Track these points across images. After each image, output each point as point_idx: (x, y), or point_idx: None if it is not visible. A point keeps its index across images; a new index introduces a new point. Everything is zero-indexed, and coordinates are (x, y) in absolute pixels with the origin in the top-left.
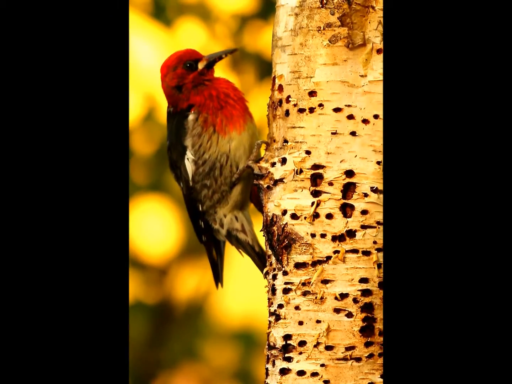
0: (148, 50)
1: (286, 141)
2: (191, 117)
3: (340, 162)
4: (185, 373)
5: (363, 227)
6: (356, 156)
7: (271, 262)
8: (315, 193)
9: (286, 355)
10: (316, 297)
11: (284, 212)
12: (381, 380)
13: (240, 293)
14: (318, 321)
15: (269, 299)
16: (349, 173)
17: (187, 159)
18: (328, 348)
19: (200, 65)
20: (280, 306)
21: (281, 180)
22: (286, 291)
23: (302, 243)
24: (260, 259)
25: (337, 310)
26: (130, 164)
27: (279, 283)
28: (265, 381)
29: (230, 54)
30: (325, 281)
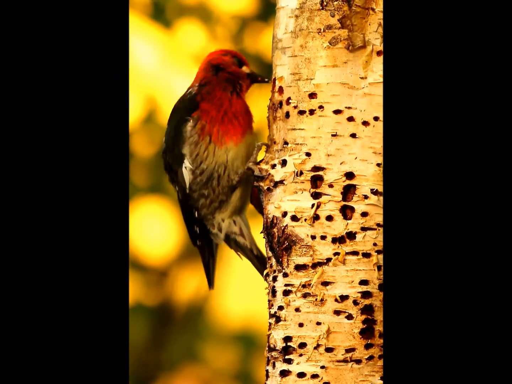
0: (148, 51)
1: (286, 143)
2: (189, 123)
3: (340, 164)
4: (185, 375)
5: (363, 229)
6: (356, 158)
7: (271, 264)
8: (315, 195)
9: (286, 357)
10: (316, 299)
11: (284, 214)
12: (381, 382)
13: (240, 295)
14: (318, 323)
15: (269, 301)
16: (349, 175)
17: (185, 168)
18: (328, 350)
19: (245, 69)
20: (280, 308)
21: (281, 182)
22: (286, 293)
23: (302, 245)
24: (259, 262)
25: (337, 312)
26: (130, 166)
27: (279, 285)
28: (265, 383)
29: (266, 83)
30: (325, 283)
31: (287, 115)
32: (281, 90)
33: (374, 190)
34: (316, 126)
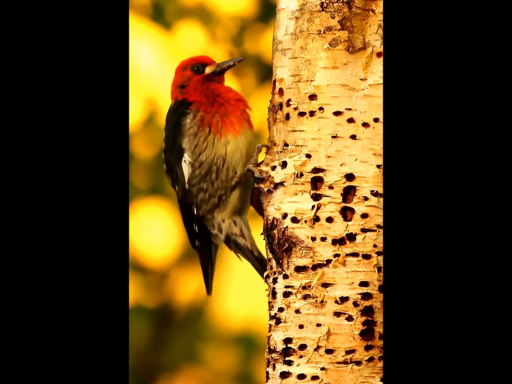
0: (148, 53)
1: (286, 144)
2: (189, 116)
3: (340, 165)
4: (186, 376)
5: (363, 230)
6: (356, 159)
7: (272, 265)
8: (316, 197)
9: (287, 358)
10: (316, 301)
11: (285, 216)
12: (381, 383)
13: (241, 296)
14: (318, 325)
15: (269, 302)
16: (349, 177)
17: (184, 161)
18: (329, 351)
19: (208, 70)
20: (281, 309)
21: (281, 183)
22: (286, 294)
23: (303, 247)
24: (259, 263)
25: (337, 314)
26: (131, 167)
27: (280, 287)
28: None
29: (238, 63)
30: (325, 285)
31: (287, 116)
32: (281, 91)
33: (374, 192)
34: (316, 128)
